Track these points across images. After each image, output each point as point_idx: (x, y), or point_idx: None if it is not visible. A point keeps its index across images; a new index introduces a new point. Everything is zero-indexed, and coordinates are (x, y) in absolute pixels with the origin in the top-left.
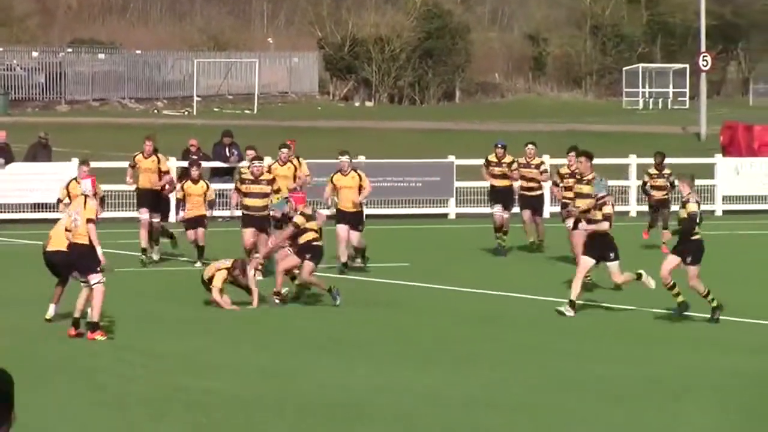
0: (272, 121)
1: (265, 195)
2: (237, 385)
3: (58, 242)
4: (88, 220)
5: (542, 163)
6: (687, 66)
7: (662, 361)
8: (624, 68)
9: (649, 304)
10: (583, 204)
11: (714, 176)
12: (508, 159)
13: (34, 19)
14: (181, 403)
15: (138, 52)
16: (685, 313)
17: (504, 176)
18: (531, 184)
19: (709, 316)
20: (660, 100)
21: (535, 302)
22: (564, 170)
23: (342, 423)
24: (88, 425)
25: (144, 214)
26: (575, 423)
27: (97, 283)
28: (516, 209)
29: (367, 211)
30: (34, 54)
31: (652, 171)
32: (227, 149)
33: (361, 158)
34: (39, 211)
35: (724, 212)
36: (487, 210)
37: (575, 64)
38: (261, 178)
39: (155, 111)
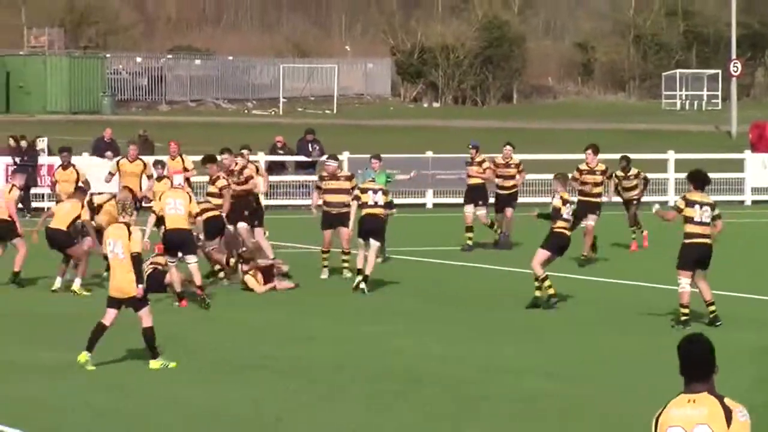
0: (349, 120)
1: (345, 191)
2: (318, 353)
3: (59, 221)
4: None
5: (520, 163)
6: (719, 71)
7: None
8: (663, 73)
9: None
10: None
11: (744, 170)
12: (479, 158)
13: (138, 28)
14: (270, 371)
15: (230, 58)
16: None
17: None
18: (507, 183)
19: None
20: (695, 102)
21: (593, 283)
22: (583, 166)
23: (411, 387)
24: (187, 391)
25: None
26: (632, 395)
27: (195, 263)
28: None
29: (437, 200)
30: (138, 59)
31: (620, 173)
32: (309, 145)
33: (429, 153)
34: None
35: (753, 202)
36: (538, 200)
37: (620, 69)
38: (339, 174)
39: (245, 111)
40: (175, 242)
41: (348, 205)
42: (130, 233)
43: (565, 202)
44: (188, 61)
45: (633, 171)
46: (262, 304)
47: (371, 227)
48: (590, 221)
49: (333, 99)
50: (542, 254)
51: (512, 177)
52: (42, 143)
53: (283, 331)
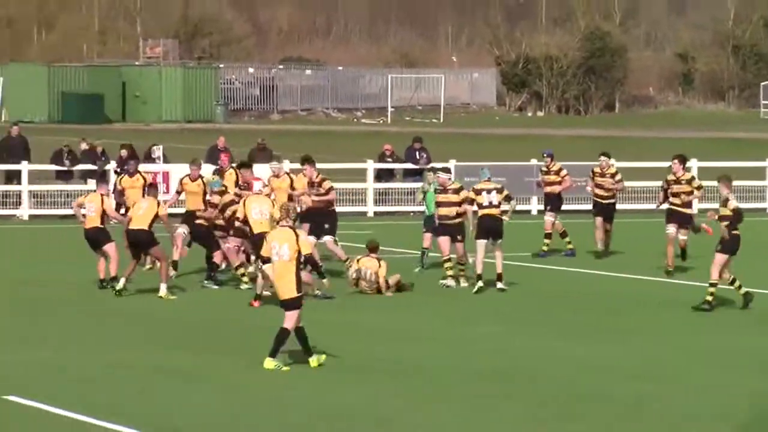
0: (455, 128)
1: (453, 204)
2: (429, 354)
3: (140, 221)
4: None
5: (617, 172)
6: None
7: None
8: (762, 83)
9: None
10: (677, 200)
11: None
12: (555, 167)
13: (250, 40)
14: (384, 372)
15: (340, 68)
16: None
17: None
18: (604, 193)
19: None
20: None
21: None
22: (670, 177)
23: (520, 387)
24: (304, 392)
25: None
26: (727, 396)
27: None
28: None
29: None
30: (250, 70)
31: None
32: (417, 153)
33: (533, 161)
34: None
35: None
36: (645, 206)
37: (719, 79)
38: (449, 187)
39: (354, 120)
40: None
41: (456, 217)
42: (297, 236)
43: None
44: (299, 71)
45: (687, 176)
46: (374, 307)
47: (491, 227)
48: (683, 236)
49: (440, 108)
50: (721, 258)
51: (609, 186)
52: (158, 151)
53: (396, 333)
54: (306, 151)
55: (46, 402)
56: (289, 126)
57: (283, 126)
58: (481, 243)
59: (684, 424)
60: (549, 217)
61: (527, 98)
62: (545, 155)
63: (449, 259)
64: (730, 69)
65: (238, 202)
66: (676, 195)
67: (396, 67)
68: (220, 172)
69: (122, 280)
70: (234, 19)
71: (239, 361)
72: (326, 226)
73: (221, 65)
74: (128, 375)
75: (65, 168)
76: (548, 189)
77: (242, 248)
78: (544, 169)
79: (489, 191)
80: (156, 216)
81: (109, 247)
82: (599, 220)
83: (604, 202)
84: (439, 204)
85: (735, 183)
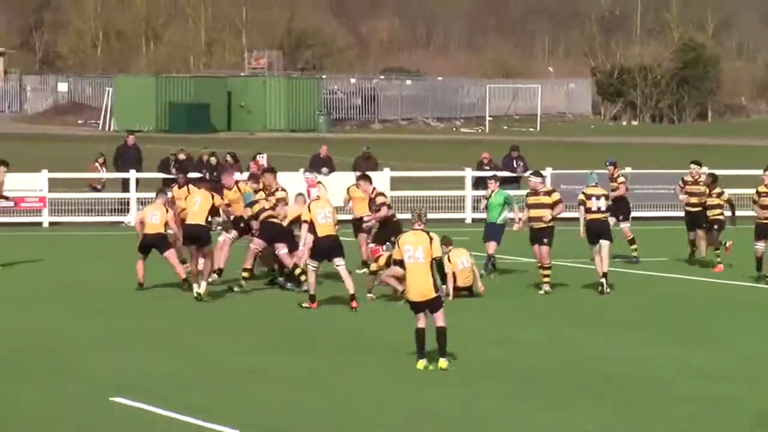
0: (552, 137)
1: (546, 206)
2: (518, 356)
3: (196, 216)
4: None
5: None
6: None
7: None
8: None
9: None
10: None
11: None
12: (617, 174)
13: (352, 51)
14: (475, 373)
15: (439, 78)
16: None
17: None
18: (696, 201)
19: None
20: None
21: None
22: (762, 188)
23: (608, 389)
24: (399, 392)
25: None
26: None
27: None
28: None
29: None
30: (352, 80)
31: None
32: (514, 161)
33: (628, 169)
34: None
35: None
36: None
37: None
38: (541, 190)
39: (453, 129)
40: (326, 248)
41: (549, 220)
42: (431, 239)
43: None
44: (399, 81)
45: (717, 190)
46: (460, 309)
47: (599, 230)
48: None
49: (536, 117)
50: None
51: (701, 194)
52: (262, 159)
53: (486, 335)
54: (405, 160)
55: (151, 403)
56: (389, 135)
57: (384, 135)
58: (595, 248)
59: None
60: (622, 224)
61: (622, 107)
62: (608, 164)
63: (544, 266)
64: None
65: (268, 208)
66: (765, 207)
67: (494, 77)
68: (253, 177)
69: (203, 284)
70: (336, 30)
71: (333, 363)
72: (393, 239)
73: (324, 76)
74: (224, 376)
75: (172, 176)
76: (613, 195)
77: (260, 252)
78: (610, 176)
79: (598, 197)
80: (212, 208)
81: (169, 254)
82: (692, 234)
83: (694, 210)
84: (529, 207)
85: None
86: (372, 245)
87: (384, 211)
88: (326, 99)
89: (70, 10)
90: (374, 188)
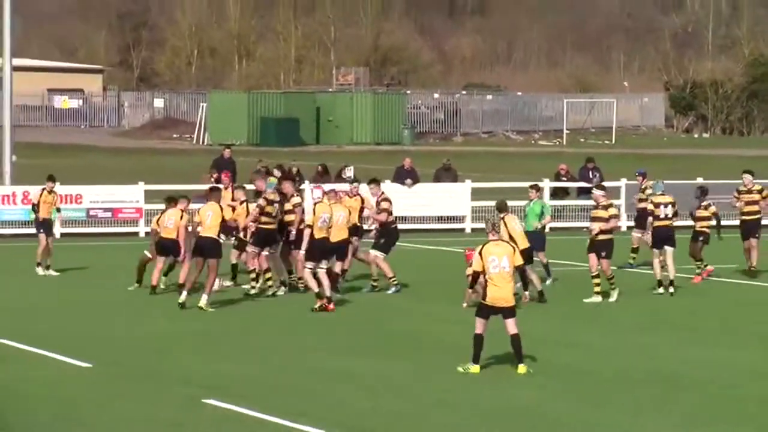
0: (627, 149)
1: (601, 219)
2: (589, 360)
3: (209, 230)
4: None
5: (763, 189)
6: None
7: None
8: None
9: None
10: None
11: None
12: (645, 185)
13: (436, 67)
14: (546, 376)
15: (519, 93)
16: None
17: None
18: (752, 209)
19: None
20: None
21: None
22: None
23: (672, 392)
24: (474, 392)
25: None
26: None
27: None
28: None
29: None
30: (435, 95)
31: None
32: (590, 172)
33: (699, 179)
34: (439, 222)
35: None
36: None
37: None
38: (601, 204)
39: (532, 141)
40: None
41: (608, 232)
42: (513, 249)
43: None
44: (481, 96)
45: (705, 202)
46: (537, 314)
47: (665, 236)
48: None
49: (612, 130)
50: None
51: (755, 203)
52: (349, 171)
53: (560, 339)
54: (486, 171)
55: (241, 405)
56: (470, 147)
57: (465, 147)
58: (656, 252)
59: None
60: (636, 233)
61: (694, 120)
62: (637, 174)
63: (597, 275)
64: None
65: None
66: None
67: (571, 91)
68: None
69: (205, 297)
70: (421, 48)
71: (414, 364)
72: (381, 240)
73: (408, 91)
74: (307, 378)
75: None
76: (640, 206)
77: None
78: (641, 187)
79: (666, 205)
80: (223, 220)
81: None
82: (747, 243)
83: (750, 218)
84: (592, 219)
85: None
86: (376, 253)
87: (383, 216)
88: (410, 113)
89: (167, 28)
90: (382, 192)
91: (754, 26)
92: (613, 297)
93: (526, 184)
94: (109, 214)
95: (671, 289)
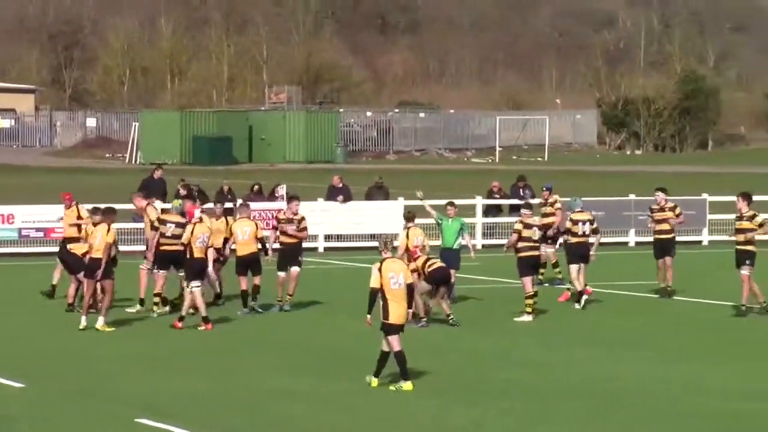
0: (559, 166)
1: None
2: (531, 376)
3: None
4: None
5: (675, 206)
6: None
7: None
8: None
9: None
10: (741, 236)
11: None
12: (552, 200)
13: (368, 85)
14: (488, 393)
15: (451, 111)
16: None
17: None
18: (665, 227)
19: None
20: None
21: None
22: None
23: (613, 405)
24: (413, 410)
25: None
26: None
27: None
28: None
29: (638, 239)
30: (368, 113)
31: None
32: (521, 190)
33: (632, 196)
34: (370, 241)
35: None
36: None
37: None
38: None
39: (465, 159)
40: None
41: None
42: (407, 266)
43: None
44: (413, 114)
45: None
46: (476, 331)
47: (582, 253)
48: (744, 270)
49: (544, 147)
50: None
51: (665, 221)
52: (281, 190)
53: (498, 355)
54: (420, 189)
55: (175, 423)
56: (403, 165)
57: (399, 165)
58: (575, 267)
59: None
60: (548, 248)
61: (626, 137)
62: (544, 189)
63: (531, 295)
64: None
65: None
66: (740, 231)
67: (503, 109)
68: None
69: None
70: (353, 65)
71: (356, 383)
72: (300, 258)
73: (341, 109)
74: (249, 397)
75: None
76: (545, 221)
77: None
78: (543, 201)
79: (584, 222)
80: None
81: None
82: (661, 261)
83: (663, 237)
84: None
85: None
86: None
87: (305, 234)
88: (343, 132)
89: (99, 48)
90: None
91: (686, 42)
92: (525, 317)
93: (459, 202)
94: (41, 234)
95: (583, 300)
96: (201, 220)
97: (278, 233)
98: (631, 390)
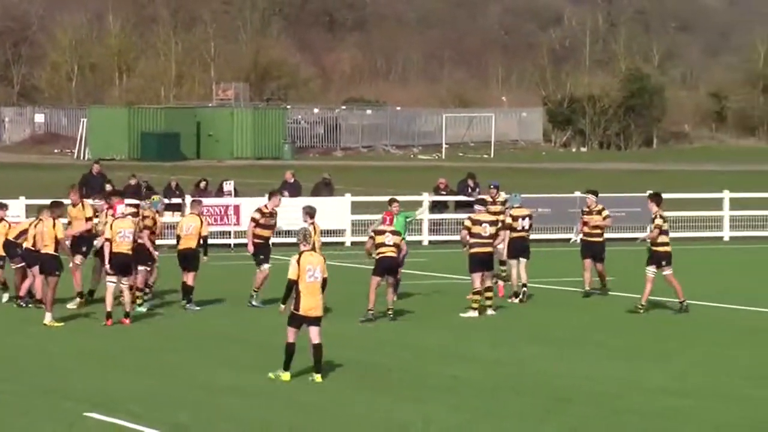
0: (505, 163)
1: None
2: (477, 373)
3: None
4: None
5: (603, 209)
6: None
7: None
8: None
9: None
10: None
11: None
12: (501, 198)
13: (316, 82)
14: (436, 388)
15: (398, 108)
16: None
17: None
18: (593, 231)
19: None
20: None
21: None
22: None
23: (559, 404)
24: (363, 407)
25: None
26: (757, 408)
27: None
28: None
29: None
30: (315, 110)
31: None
32: (469, 188)
33: (577, 193)
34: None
35: None
36: (681, 234)
37: (750, 116)
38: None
39: (411, 156)
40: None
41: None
42: (324, 259)
43: None
44: (360, 111)
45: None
46: (424, 326)
47: (521, 247)
48: (666, 270)
49: (490, 144)
50: None
51: (597, 225)
52: (228, 185)
53: (445, 351)
54: (366, 185)
55: (123, 418)
56: (351, 162)
57: (346, 162)
58: (513, 263)
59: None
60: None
61: (571, 135)
62: (492, 186)
63: (478, 291)
64: (760, 107)
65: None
66: (590, 226)
67: (450, 106)
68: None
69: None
70: (300, 63)
71: (305, 379)
72: (262, 256)
73: (288, 106)
74: (198, 393)
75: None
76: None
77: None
78: (490, 199)
79: (523, 218)
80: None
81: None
82: (587, 261)
83: (593, 240)
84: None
85: (762, 212)
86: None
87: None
88: (291, 128)
89: (47, 44)
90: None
91: (630, 42)
92: (490, 311)
93: (406, 198)
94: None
95: (519, 298)
96: (124, 215)
97: (255, 227)
98: (575, 387)
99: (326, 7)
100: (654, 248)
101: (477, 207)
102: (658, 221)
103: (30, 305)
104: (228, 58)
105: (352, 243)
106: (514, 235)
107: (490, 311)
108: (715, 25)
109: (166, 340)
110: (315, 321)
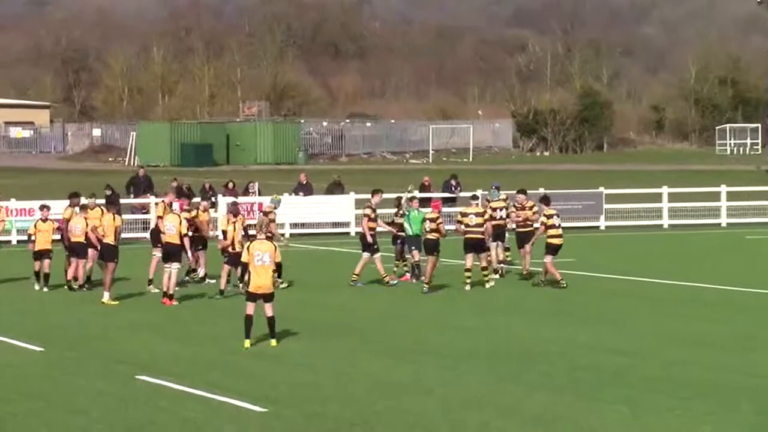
0: (482, 166)
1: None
2: (459, 338)
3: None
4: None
5: (533, 205)
6: (759, 125)
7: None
8: (716, 127)
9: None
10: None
11: None
12: (529, 203)
13: (324, 101)
14: (425, 353)
15: (392, 121)
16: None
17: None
18: (524, 223)
19: None
20: (740, 149)
21: (674, 287)
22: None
23: (525, 365)
24: (365, 368)
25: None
26: (688, 367)
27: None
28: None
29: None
30: (324, 123)
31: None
32: (452, 186)
33: (541, 189)
34: (331, 227)
35: None
36: (629, 223)
37: (684, 124)
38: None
39: (404, 161)
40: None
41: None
42: (275, 248)
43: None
44: (362, 124)
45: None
46: (419, 301)
47: (498, 233)
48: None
49: (469, 150)
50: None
51: (528, 219)
52: (254, 186)
53: (436, 322)
54: (366, 185)
55: (169, 380)
56: (354, 166)
57: (350, 166)
58: (493, 245)
59: (656, 385)
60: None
61: (536, 142)
62: (494, 187)
63: (469, 269)
64: (692, 117)
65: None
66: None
67: (435, 119)
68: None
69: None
70: (311, 84)
71: (317, 344)
72: (375, 246)
73: (302, 120)
74: (228, 358)
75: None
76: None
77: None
78: (519, 205)
79: (501, 209)
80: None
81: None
82: (522, 250)
83: (523, 230)
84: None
85: (695, 204)
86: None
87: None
88: (304, 138)
89: (102, 71)
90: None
91: (584, 65)
92: (489, 284)
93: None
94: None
95: (499, 274)
96: (172, 212)
97: (368, 221)
98: (543, 351)
99: (333, 39)
100: (549, 240)
101: (471, 201)
102: (543, 218)
103: (84, 288)
104: (252, 81)
105: (356, 233)
106: (494, 223)
107: (488, 285)
108: (654, 50)
109: (207, 315)
110: (266, 297)
